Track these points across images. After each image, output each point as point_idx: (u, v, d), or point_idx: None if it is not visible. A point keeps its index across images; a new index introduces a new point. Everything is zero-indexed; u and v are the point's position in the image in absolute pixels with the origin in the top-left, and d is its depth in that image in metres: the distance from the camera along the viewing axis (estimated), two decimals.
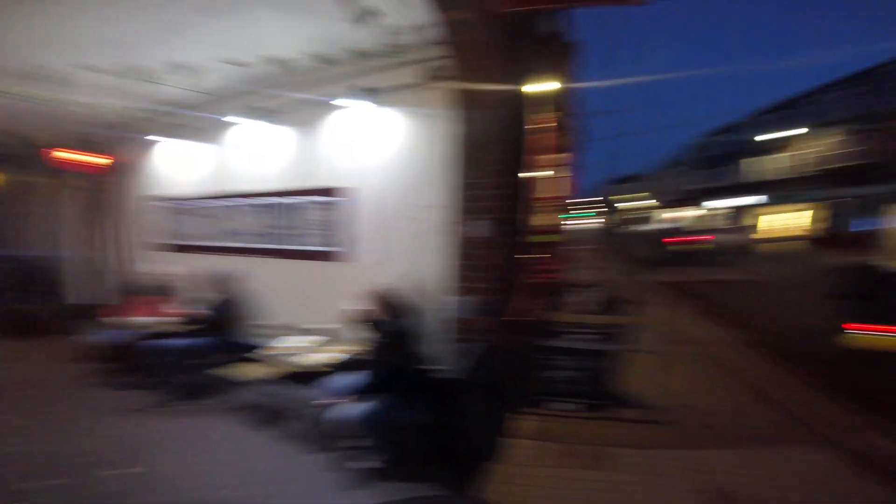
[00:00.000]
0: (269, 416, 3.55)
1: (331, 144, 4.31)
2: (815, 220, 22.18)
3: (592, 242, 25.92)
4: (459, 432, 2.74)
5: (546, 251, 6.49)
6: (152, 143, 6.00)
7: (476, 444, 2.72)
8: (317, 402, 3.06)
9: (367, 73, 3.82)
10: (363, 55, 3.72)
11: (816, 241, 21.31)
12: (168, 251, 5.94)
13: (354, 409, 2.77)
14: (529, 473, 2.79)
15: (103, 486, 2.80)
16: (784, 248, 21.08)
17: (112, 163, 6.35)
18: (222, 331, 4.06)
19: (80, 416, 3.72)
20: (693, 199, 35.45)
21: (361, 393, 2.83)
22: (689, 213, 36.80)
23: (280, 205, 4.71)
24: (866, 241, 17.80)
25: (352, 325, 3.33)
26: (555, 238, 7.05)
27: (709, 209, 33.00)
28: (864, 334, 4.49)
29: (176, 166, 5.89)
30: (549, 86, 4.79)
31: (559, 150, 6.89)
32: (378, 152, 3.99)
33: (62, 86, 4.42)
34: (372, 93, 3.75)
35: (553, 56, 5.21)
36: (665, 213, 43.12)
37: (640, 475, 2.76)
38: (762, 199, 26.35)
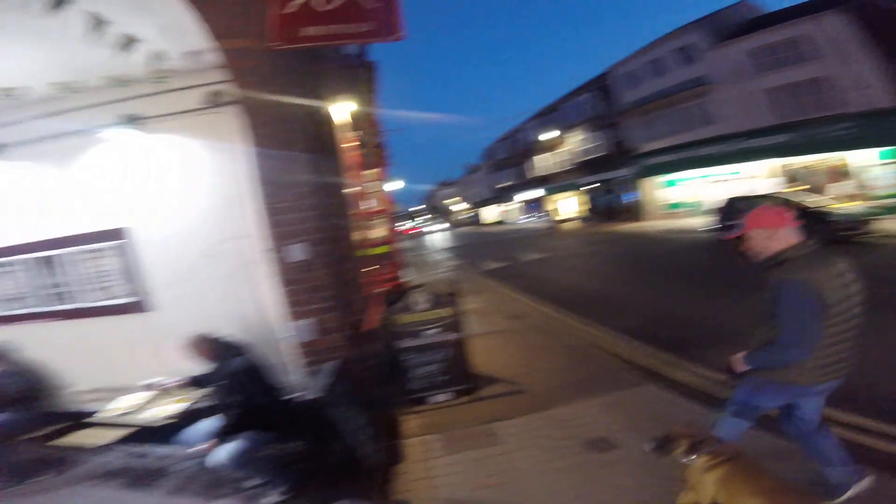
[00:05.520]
0: (140, 476, 3.22)
1: (101, 181, 3.70)
2: (581, 202, 28.84)
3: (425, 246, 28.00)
4: (342, 446, 2.74)
5: (377, 261, 7.02)
6: None
7: (362, 453, 2.76)
8: (191, 451, 2.83)
9: (134, 100, 3.43)
10: (126, 82, 3.31)
11: (589, 217, 27.46)
12: None
13: (225, 451, 2.60)
14: (427, 466, 2.94)
15: None
16: (569, 226, 26.70)
17: None
18: (23, 404, 3.49)
19: None
20: (499, 197, 42.09)
21: (225, 435, 2.65)
22: (502, 208, 43.27)
23: (51, 258, 3.91)
24: (624, 213, 23.76)
25: (182, 373, 3.13)
26: (384, 248, 7.56)
27: (517, 202, 39.54)
28: None
29: None
30: (351, 106, 5.36)
31: (371, 165, 7.41)
32: (165, 186, 3.59)
33: None
34: (139, 121, 3.43)
35: (352, 78, 5.76)
36: (483, 210, 49.40)
37: (519, 441, 3.01)
38: (546, 189, 32.67)
